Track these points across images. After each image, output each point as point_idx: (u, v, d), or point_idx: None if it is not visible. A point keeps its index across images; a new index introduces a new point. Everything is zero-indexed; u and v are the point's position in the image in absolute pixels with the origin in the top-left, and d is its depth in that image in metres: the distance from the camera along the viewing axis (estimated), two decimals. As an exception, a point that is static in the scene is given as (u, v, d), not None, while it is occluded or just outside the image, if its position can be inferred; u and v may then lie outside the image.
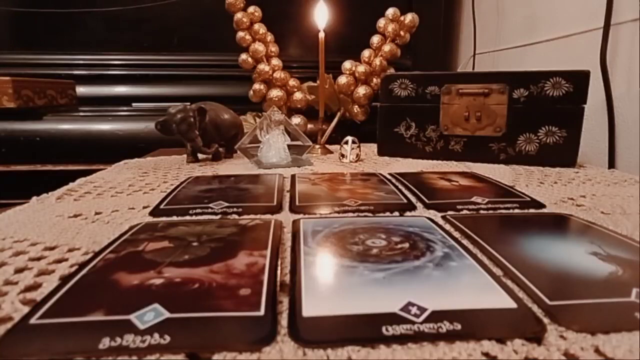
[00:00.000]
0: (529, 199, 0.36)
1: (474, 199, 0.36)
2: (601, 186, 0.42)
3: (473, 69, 0.99)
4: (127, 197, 0.38)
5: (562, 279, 0.20)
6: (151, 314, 0.17)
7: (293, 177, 0.44)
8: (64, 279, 0.20)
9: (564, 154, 0.51)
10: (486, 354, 0.15)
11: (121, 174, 0.48)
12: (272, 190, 0.38)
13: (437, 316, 0.17)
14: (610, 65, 0.58)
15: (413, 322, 0.16)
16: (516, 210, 0.33)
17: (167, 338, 0.15)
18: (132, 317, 0.16)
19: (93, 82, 0.98)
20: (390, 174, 0.46)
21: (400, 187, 0.40)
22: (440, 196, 0.37)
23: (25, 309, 0.18)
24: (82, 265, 0.21)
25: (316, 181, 0.43)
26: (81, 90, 0.96)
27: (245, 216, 0.31)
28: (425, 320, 0.16)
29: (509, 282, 0.20)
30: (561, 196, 0.38)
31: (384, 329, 0.16)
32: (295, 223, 0.29)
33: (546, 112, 0.51)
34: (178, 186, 0.40)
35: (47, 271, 0.22)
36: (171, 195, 0.36)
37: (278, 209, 0.33)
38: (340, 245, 0.24)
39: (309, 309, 0.17)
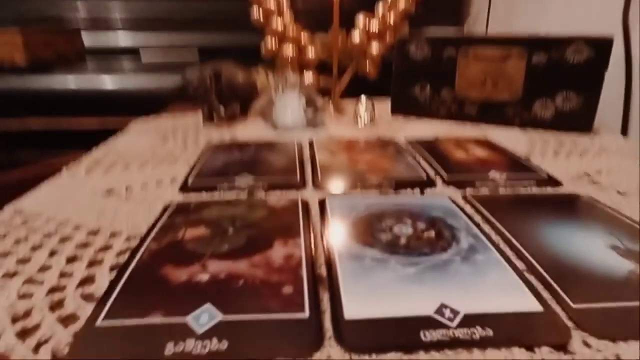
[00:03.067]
0: (545, 175, 0.36)
1: (491, 174, 0.36)
2: (617, 159, 0.42)
3: (487, 19, 0.94)
4: (153, 169, 0.38)
5: (584, 277, 0.21)
6: (205, 316, 0.18)
7: (311, 145, 0.44)
8: (117, 275, 0.21)
9: (580, 120, 0.51)
10: (516, 361, 0.16)
11: (141, 139, 0.48)
12: (294, 162, 0.39)
13: (469, 320, 0.18)
14: (632, 26, 0.55)
15: (448, 327, 0.18)
16: (534, 189, 0.34)
17: (225, 343, 0.17)
18: (189, 319, 0.18)
19: (97, 28, 0.94)
20: (407, 141, 0.46)
21: (418, 158, 0.40)
22: (457, 169, 0.38)
23: (86, 306, 0.19)
24: (129, 258, 0.23)
25: (335, 150, 0.43)
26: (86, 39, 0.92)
27: (271, 192, 0.32)
28: (459, 325, 0.18)
29: (532, 279, 0.21)
30: (577, 171, 0.38)
31: (422, 334, 0.17)
32: (322, 204, 0.30)
33: (565, 78, 0.50)
34: (200, 157, 0.40)
35: (97, 261, 0.23)
36: (196, 168, 0.37)
37: (302, 185, 0.34)
38: (369, 234, 0.25)
39: (350, 311, 0.19)
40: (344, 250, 0.23)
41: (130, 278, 0.21)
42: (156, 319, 0.18)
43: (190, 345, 0.17)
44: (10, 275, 0.22)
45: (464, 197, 0.32)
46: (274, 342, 0.17)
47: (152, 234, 0.25)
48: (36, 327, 0.18)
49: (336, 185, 0.34)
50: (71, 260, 0.23)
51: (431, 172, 0.37)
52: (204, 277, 0.21)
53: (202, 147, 0.44)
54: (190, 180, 0.34)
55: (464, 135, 0.50)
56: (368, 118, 0.56)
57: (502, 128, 0.53)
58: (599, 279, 0.21)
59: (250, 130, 0.53)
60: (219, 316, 0.18)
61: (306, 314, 0.18)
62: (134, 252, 0.23)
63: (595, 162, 0.41)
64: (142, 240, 0.25)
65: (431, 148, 0.43)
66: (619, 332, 0.18)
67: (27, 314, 0.19)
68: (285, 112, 0.53)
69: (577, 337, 0.18)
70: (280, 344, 0.17)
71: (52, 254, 0.24)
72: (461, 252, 0.23)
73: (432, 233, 0.26)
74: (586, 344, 0.17)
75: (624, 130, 0.57)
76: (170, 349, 0.16)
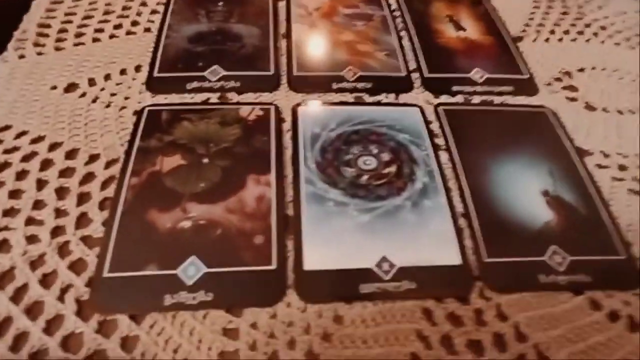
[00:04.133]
0: (526, 75, 0.36)
1: (473, 73, 0.35)
2: (612, 49, 0.39)
3: None
4: (109, 45, 0.34)
5: (507, 227, 0.26)
6: (192, 269, 0.22)
7: (289, 8, 0.39)
8: (109, 217, 0.24)
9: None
10: (426, 310, 0.22)
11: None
12: (267, 43, 0.35)
13: (401, 273, 0.23)
14: None
15: (382, 280, 0.23)
16: (508, 98, 0.34)
17: (211, 295, 0.22)
18: (179, 272, 0.22)
19: None
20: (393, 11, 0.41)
21: (403, 42, 0.37)
22: (440, 62, 0.36)
23: (89, 252, 0.23)
24: (115, 197, 0.25)
25: (314, 18, 0.38)
26: None
27: (244, 96, 0.32)
28: (392, 279, 0.23)
29: (465, 227, 0.26)
30: (561, 66, 0.37)
31: (360, 287, 0.23)
32: (294, 113, 0.31)
33: None
34: (162, 27, 0.36)
35: (84, 195, 0.25)
36: (160, 52, 0.34)
37: (277, 82, 0.33)
38: (335, 168, 0.27)
39: (309, 263, 0.23)
40: (310, 190, 0.26)
41: (120, 225, 0.24)
42: (152, 271, 0.22)
43: (183, 296, 0.22)
44: (12, 213, 0.24)
45: (435, 108, 0.32)
46: (247, 292, 0.22)
47: (131, 163, 0.27)
48: (54, 275, 0.22)
49: (311, 81, 0.33)
50: (60, 194, 0.25)
51: (412, 64, 0.36)
52: (186, 224, 0.24)
53: None
54: (155, 72, 0.32)
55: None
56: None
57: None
58: (518, 230, 0.26)
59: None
60: (203, 269, 0.22)
61: (273, 265, 0.23)
62: (118, 188, 0.25)
63: (586, 52, 0.39)
64: (123, 170, 0.26)
65: (420, 24, 0.39)
66: (511, 285, 0.24)
67: (42, 260, 0.22)
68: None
69: (477, 291, 0.23)
70: (251, 294, 0.22)
71: (43, 187, 0.25)
72: (413, 195, 0.27)
73: (394, 169, 0.28)
74: (482, 296, 0.23)
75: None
76: (168, 300, 0.21)
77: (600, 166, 0.30)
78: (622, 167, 0.30)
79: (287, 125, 0.30)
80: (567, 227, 0.26)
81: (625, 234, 0.26)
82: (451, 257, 0.24)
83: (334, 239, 0.24)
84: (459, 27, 0.40)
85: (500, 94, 0.34)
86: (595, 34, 0.41)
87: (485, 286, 0.23)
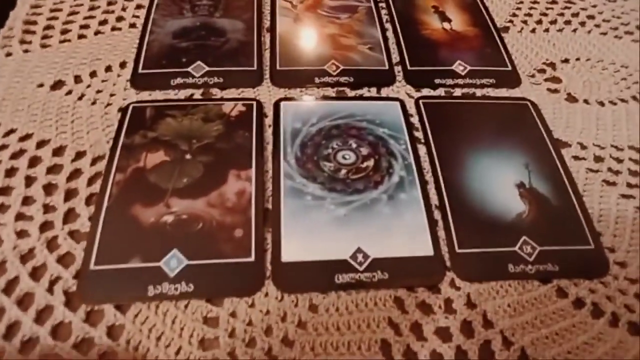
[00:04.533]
0: (509, 67, 0.36)
1: (455, 65, 0.35)
2: (598, 39, 0.40)
3: None
4: (95, 41, 0.35)
5: (480, 219, 0.26)
6: (175, 261, 0.23)
7: (273, 1, 0.39)
8: (95, 213, 0.25)
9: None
10: (397, 298, 0.23)
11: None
12: (251, 38, 0.36)
13: (375, 264, 0.24)
14: None
15: (357, 271, 0.24)
16: (490, 91, 0.34)
17: (192, 286, 0.23)
18: (162, 264, 0.23)
19: None
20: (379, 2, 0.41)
21: (388, 34, 0.37)
22: (423, 55, 0.36)
23: (77, 246, 0.24)
24: (100, 193, 0.26)
25: (299, 11, 0.39)
26: None
27: (227, 92, 0.32)
28: (365, 270, 0.24)
29: (439, 219, 0.27)
30: (546, 57, 0.37)
31: (336, 277, 0.24)
32: (276, 108, 0.31)
33: None
34: (146, 22, 0.36)
35: (71, 191, 0.26)
36: (144, 49, 0.34)
37: (259, 78, 0.33)
38: (314, 162, 0.28)
39: (287, 254, 0.24)
40: (289, 185, 0.27)
41: (106, 220, 0.25)
42: (136, 264, 0.23)
43: (166, 287, 0.23)
44: (2, 209, 0.25)
45: (416, 102, 0.33)
46: (226, 283, 0.23)
47: (116, 159, 0.27)
48: (44, 268, 0.23)
49: (294, 76, 0.34)
50: (48, 191, 0.26)
51: (395, 57, 0.36)
52: (169, 218, 0.25)
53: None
54: (140, 69, 0.33)
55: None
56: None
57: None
58: (490, 222, 0.26)
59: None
60: (184, 261, 0.24)
61: (252, 257, 0.24)
62: (104, 184, 0.26)
63: (571, 43, 0.39)
64: (108, 166, 0.27)
65: (405, 16, 0.39)
66: (481, 275, 0.24)
67: (31, 254, 0.24)
68: None
69: (447, 281, 0.24)
70: (230, 285, 0.23)
71: (31, 183, 0.26)
72: (389, 189, 0.27)
73: (372, 162, 0.29)
74: (453, 285, 0.24)
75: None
76: (151, 291, 0.22)
77: (576, 158, 0.31)
78: (598, 159, 0.31)
79: (268, 121, 0.31)
80: (539, 218, 0.27)
81: (596, 225, 0.27)
82: (424, 248, 0.25)
83: (311, 231, 0.25)
84: (444, 18, 0.40)
85: (482, 86, 0.35)
86: (582, 24, 0.41)
87: (456, 276, 0.24)
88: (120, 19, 0.37)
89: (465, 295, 0.24)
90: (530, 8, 0.42)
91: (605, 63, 0.37)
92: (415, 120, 0.32)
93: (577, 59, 0.38)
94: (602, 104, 0.34)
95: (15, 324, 0.21)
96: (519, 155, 0.30)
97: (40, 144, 0.28)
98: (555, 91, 0.35)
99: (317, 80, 0.33)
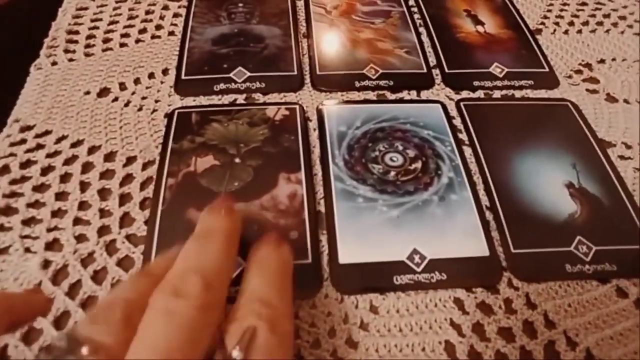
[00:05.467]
0: (546, 69, 0.36)
1: (493, 67, 0.36)
2: (632, 40, 0.40)
3: None
4: (136, 49, 0.36)
5: (532, 219, 0.26)
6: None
7: (308, 8, 0.40)
8: (150, 217, 0.25)
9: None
10: (457, 299, 0.23)
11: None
12: (289, 43, 0.36)
13: (432, 265, 0.24)
14: None
15: (415, 272, 0.24)
16: (528, 92, 0.34)
17: (252, 288, 0.23)
18: (221, 267, 0.23)
19: None
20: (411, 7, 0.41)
21: (422, 38, 0.38)
22: (460, 58, 0.36)
23: (135, 250, 0.24)
24: (154, 197, 0.26)
25: (333, 16, 0.39)
26: None
27: (270, 96, 0.33)
28: (424, 270, 0.24)
29: (491, 219, 0.26)
30: (581, 58, 0.37)
31: (394, 278, 0.24)
32: (319, 112, 0.32)
33: None
34: (185, 30, 0.37)
35: (125, 196, 0.27)
36: (185, 56, 0.35)
37: (300, 82, 0.34)
38: (363, 165, 0.28)
39: (344, 257, 0.24)
40: (340, 187, 0.27)
41: (161, 224, 0.25)
42: (195, 267, 0.23)
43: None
44: (60, 214, 0.25)
45: (457, 104, 0.33)
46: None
47: (166, 164, 0.28)
48: (104, 271, 0.23)
49: (334, 80, 0.34)
50: (103, 195, 0.26)
51: (432, 59, 0.36)
52: (224, 222, 0.25)
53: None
54: (182, 75, 0.33)
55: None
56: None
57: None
58: (543, 222, 0.26)
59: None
60: (242, 264, 0.23)
61: (309, 259, 0.24)
62: (157, 188, 0.26)
63: (605, 43, 0.39)
64: (159, 171, 0.27)
65: (440, 21, 0.40)
66: (538, 275, 0.24)
67: (91, 258, 0.24)
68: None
69: (505, 281, 0.24)
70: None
71: (83, 186, 0.27)
72: (440, 190, 0.27)
73: (419, 164, 0.29)
74: (511, 285, 0.24)
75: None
76: (211, 294, 0.23)
77: (622, 157, 0.31)
78: (644, 158, 0.31)
79: (312, 124, 0.31)
80: (592, 218, 0.27)
81: (649, 224, 0.27)
82: (479, 248, 0.25)
83: (365, 233, 0.25)
84: (477, 22, 0.40)
85: (520, 87, 0.35)
86: (615, 25, 0.41)
87: (513, 276, 0.24)
88: (159, 27, 0.38)
89: (524, 296, 0.24)
90: (561, 10, 0.42)
91: (642, 63, 0.37)
92: (457, 122, 0.32)
93: (613, 59, 0.38)
94: (642, 103, 0.34)
95: (79, 327, 0.22)
96: (565, 155, 0.30)
97: (92, 150, 0.29)
98: (594, 92, 0.35)
99: (357, 84, 0.34)
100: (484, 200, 0.27)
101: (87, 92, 0.32)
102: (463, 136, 0.31)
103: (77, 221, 0.25)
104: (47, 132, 0.29)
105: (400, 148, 0.30)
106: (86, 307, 0.22)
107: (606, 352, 0.22)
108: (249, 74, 0.34)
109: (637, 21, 0.42)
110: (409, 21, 0.39)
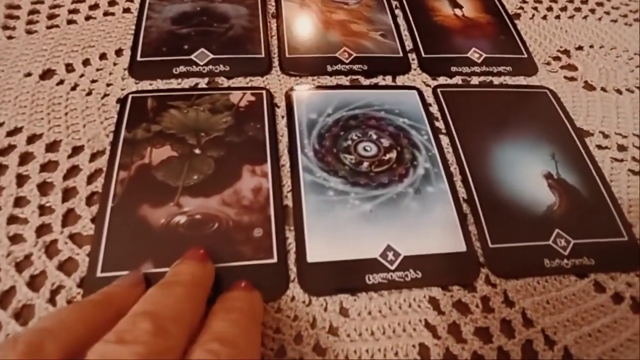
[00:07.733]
0: (525, 55, 0.35)
1: (471, 52, 0.34)
2: (610, 26, 0.39)
3: None
4: (86, 27, 0.32)
5: (510, 212, 0.25)
6: (190, 265, 0.21)
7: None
8: (98, 214, 0.23)
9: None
10: (432, 299, 0.22)
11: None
12: (256, 24, 0.34)
13: (406, 263, 0.23)
14: None
15: (388, 270, 0.22)
16: (507, 79, 0.33)
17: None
18: (176, 269, 0.21)
19: None
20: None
21: (399, 20, 0.36)
22: (438, 42, 0.35)
23: (80, 251, 0.22)
24: (103, 192, 0.23)
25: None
26: None
27: (234, 81, 0.30)
28: (397, 268, 0.22)
29: (469, 213, 0.25)
30: (559, 45, 0.36)
31: (366, 278, 0.22)
32: (288, 98, 0.29)
33: None
34: (142, 7, 0.33)
35: (69, 190, 0.24)
36: (142, 35, 0.32)
37: (268, 66, 0.31)
38: (334, 155, 0.26)
39: (312, 255, 0.22)
40: (309, 179, 0.25)
41: (111, 221, 0.22)
42: (148, 269, 0.21)
43: (181, 294, 0.21)
44: (-9, 211, 0.23)
45: (434, 90, 0.31)
46: (250, 288, 0.21)
47: (118, 155, 0.25)
48: (43, 276, 0.21)
49: (304, 63, 0.32)
50: (43, 191, 0.24)
51: (408, 43, 0.34)
52: (181, 219, 0.23)
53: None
54: (138, 57, 0.30)
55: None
56: None
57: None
58: (522, 215, 0.25)
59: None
60: (201, 265, 0.21)
61: (274, 259, 0.22)
62: (106, 182, 0.24)
63: (584, 29, 0.38)
64: (110, 162, 0.25)
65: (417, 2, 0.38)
66: (517, 271, 0.23)
67: (28, 261, 0.21)
68: None
69: (483, 277, 0.23)
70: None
71: (21, 180, 0.24)
72: (415, 182, 0.26)
73: (394, 154, 0.27)
74: (488, 282, 0.23)
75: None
76: (166, 299, 0.20)
77: (600, 147, 0.30)
78: (621, 148, 0.30)
79: (280, 111, 0.29)
80: (571, 210, 0.26)
81: (627, 216, 0.26)
82: (456, 244, 0.24)
83: (336, 229, 0.23)
84: (455, 5, 0.38)
85: (499, 74, 0.33)
86: (592, 11, 0.40)
87: (491, 272, 0.23)
88: (112, 3, 0.34)
89: (502, 293, 0.23)
90: (540, -6, 0.41)
91: (619, 50, 0.37)
92: (434, 109, 0.30)
93: (591, 46, 0.37)
94: (619, 92, 0.34)
95: (13, 340, 0.19)
96: (544, 144, 0.29)
97: (32, 139, 0.26)
98: (573, 79, 0.34)
99: (329, 68, 0.31)
100: (461, 192, 0.26)
101: (28, 74, 0.29)
102: (440, 124, 0.29)
103: (12, 219, 0.22)
104: (-20, 119, 0.26)
105: (374, 137, 0.28)
106: (20, 318, 0.20)
107: (584, 350, 0.21)
108: (212, 56, 0.31)
109: (615, 8, 0.41)
110: (385, 3, 0.37)
